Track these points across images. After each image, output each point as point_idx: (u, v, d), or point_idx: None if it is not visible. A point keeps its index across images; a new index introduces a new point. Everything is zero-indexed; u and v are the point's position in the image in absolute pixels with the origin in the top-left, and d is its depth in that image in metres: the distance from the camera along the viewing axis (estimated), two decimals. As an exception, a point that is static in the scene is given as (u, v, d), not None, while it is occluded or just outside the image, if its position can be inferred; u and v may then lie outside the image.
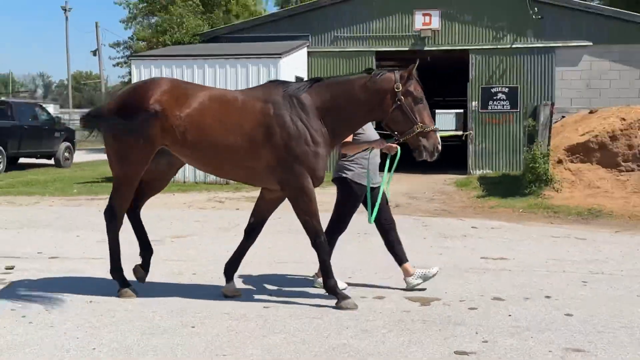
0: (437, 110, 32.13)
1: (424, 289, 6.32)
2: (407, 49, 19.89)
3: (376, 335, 5.03)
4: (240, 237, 6.36)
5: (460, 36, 19.60)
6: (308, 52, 19.79)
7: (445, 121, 33.97)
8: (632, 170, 12.69)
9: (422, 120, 5.74)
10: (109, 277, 6.71)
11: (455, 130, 31.60)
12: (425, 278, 6.34)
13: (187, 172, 16.47)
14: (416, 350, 4.71)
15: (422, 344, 4.83)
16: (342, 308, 5.70)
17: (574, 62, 18.91)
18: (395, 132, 5.89)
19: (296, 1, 37.85)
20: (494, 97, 18.99)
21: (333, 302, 5.85)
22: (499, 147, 19.09)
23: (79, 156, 26.32)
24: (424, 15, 19.54)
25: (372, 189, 6.20)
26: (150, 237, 6.43)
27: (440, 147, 5.83)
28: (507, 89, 19.24)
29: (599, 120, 13.65)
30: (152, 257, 6.41)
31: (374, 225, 6.32)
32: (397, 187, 15.25)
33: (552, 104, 14.48)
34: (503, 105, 19.20)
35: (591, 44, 18.85)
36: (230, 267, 6.24)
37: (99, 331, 5.13)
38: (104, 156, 28.86)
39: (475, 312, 5.66)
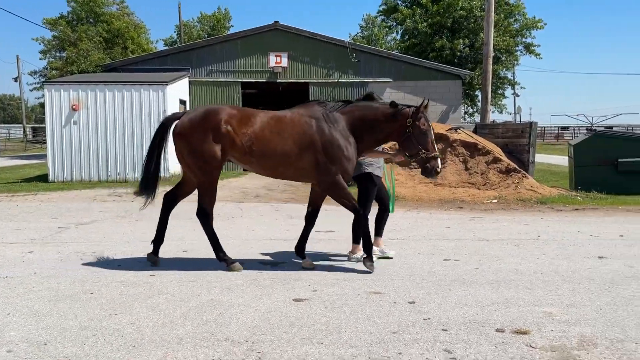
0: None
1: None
2: (264, 80, 19.87)
3: (237, 291, 4.98)
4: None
5: (303, 72, 19.89)
6: (189, 81, 19.17)
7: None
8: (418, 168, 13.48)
9: (425, 148, 5.62)
10: (22, 257, 6.14)
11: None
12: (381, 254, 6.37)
13: (92, 171, 15.37)
14: (266, 300, 4.72)
15: (270, 296, 4.84)
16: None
17: (380, 93, 19.71)
18: (406, 153, 5.80)
19: (180, 42, 36.62)
20: (327, 117, 19.47)
21: (205, 268, 5.74)
22: (331, 152, 19.60)
23: (1, 162, 24.09)
24: (276, 56, 19.62)
25: (379, 177, 6.29)
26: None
27: (439, 170, 5.75)
28: (335, 111, 19.83)
29: (397, 133, 14.38)
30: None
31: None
32: (258, 182, 15.19)
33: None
34: (333, 123, 19.75)
35: (392, 80, 19.87)
36: (300, 248, 5.99)
37: (13, 300, 4.67)
38: (23, 162, 25.97)
39: (309, 271, 5.75)
